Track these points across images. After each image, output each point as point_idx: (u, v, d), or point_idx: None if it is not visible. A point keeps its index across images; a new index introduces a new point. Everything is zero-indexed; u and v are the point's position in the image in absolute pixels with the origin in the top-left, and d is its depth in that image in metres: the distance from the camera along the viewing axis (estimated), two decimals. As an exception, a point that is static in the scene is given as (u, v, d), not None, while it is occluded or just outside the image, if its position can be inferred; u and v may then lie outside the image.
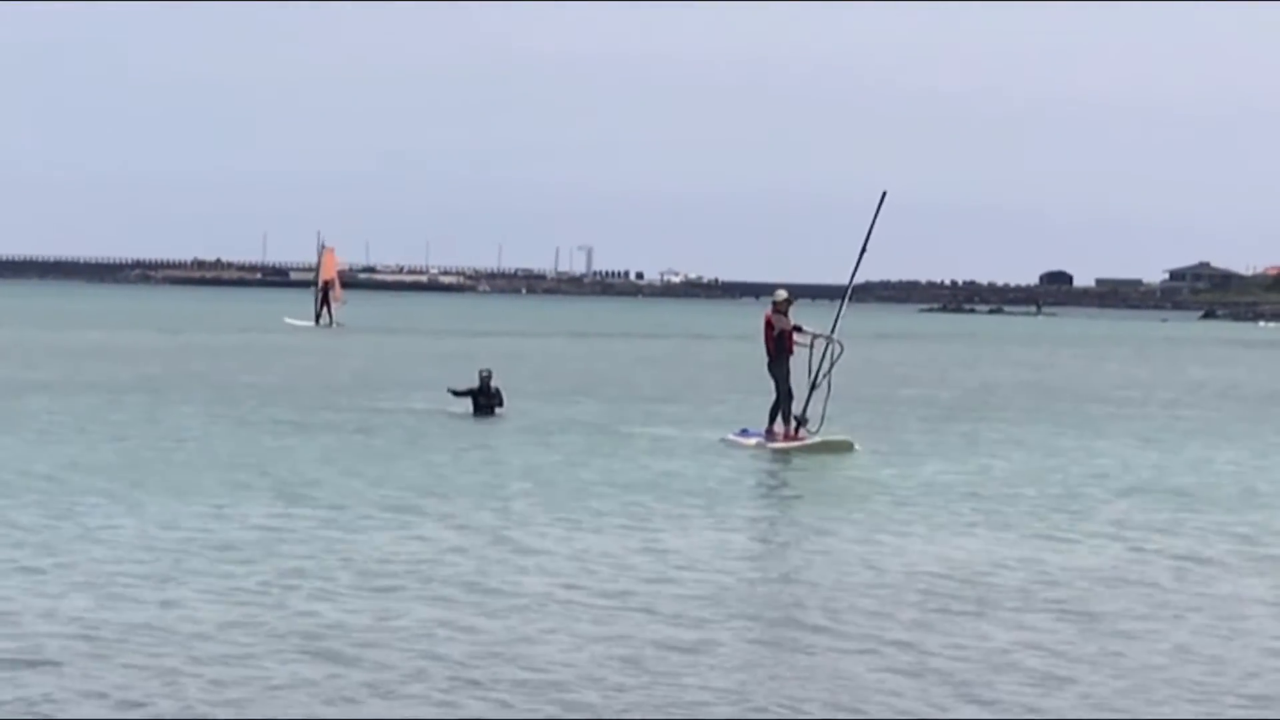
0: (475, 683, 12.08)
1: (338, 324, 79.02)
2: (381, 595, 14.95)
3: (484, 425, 31.22)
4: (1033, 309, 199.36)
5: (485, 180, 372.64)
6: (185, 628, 13.51)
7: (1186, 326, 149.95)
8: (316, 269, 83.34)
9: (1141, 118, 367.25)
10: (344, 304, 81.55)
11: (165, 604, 14.38)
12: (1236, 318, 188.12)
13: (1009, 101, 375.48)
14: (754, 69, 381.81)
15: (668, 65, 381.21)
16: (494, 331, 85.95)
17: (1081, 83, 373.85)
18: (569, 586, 15.63)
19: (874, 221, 29.04)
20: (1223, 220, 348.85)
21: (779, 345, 28.69)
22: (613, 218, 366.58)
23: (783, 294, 29.12)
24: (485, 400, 32.84)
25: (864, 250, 29.02)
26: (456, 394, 33.19)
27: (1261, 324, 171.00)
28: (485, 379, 33.10)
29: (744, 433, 29.34)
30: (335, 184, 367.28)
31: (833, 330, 28.52)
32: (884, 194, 29.16)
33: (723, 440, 29.01)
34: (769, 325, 28.86)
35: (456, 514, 19.83)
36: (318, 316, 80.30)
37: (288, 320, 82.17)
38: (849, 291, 29.07)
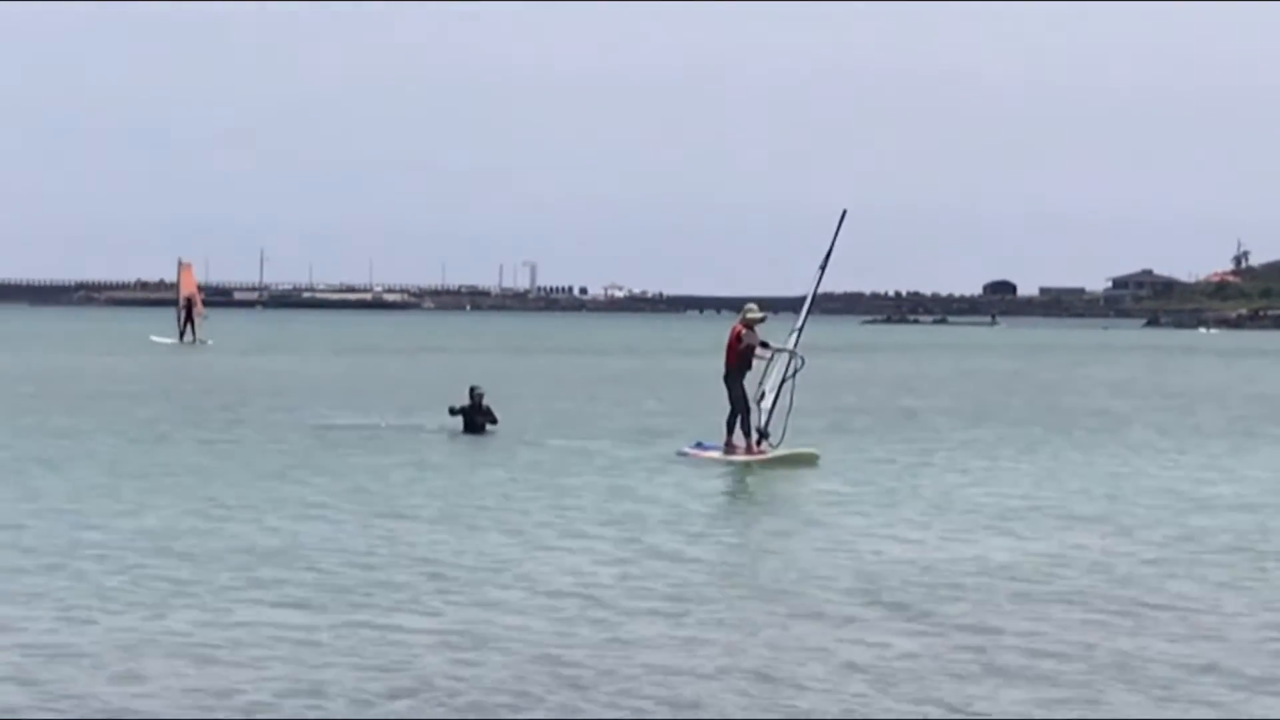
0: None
1: (200, 341, 79.51)
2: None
3: (473, 442, 30.95)
4: (988, 319, 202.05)
5: (428, 197, 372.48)
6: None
7: (1130, 334, 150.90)
8: (176, 286, 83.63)
9: (1084, 125, 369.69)
10: (206, 318, 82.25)
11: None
12: (1179, 325, 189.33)
13: (952, 110, 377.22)
14: (698, 80, 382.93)
15: (609, 80, 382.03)
16: (444, 348, 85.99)
17: (1024, 91, 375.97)
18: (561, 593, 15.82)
19: (834, 240, 29.21)
20: (1165, 227, 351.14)
21: (742, 359, 28.58)
22: (556, 233, 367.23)
23: (755, 309, 29.15)
24: (478, 418, 32.36)
25: (824, 268, 29.08)
26: (453, 412, 32.58)
27: (1203, 330, 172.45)
28: (478, 397, 32.61)
29: (699, 445, 29.29)
30: (277, 202, 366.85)
31: (795, 345, 28.56)
32: (844, 212, 29.42)
33: (679, 453, 28.95)
34: (736, 338, 28.67)
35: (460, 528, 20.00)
36: (181, 334, 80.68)
37: (153, 338, 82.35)
38: (809, 306, 29.11)
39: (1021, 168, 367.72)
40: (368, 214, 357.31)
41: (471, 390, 32.97)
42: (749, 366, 28.63)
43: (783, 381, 28.56)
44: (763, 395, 28.59)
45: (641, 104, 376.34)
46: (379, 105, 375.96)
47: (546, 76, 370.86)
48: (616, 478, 25.74)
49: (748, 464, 27.74)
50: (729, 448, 28.51)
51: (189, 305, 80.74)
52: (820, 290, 29.14)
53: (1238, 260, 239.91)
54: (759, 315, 28.90)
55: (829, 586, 16.66)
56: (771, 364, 28.75)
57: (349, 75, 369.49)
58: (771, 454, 28.15)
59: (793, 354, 28.57)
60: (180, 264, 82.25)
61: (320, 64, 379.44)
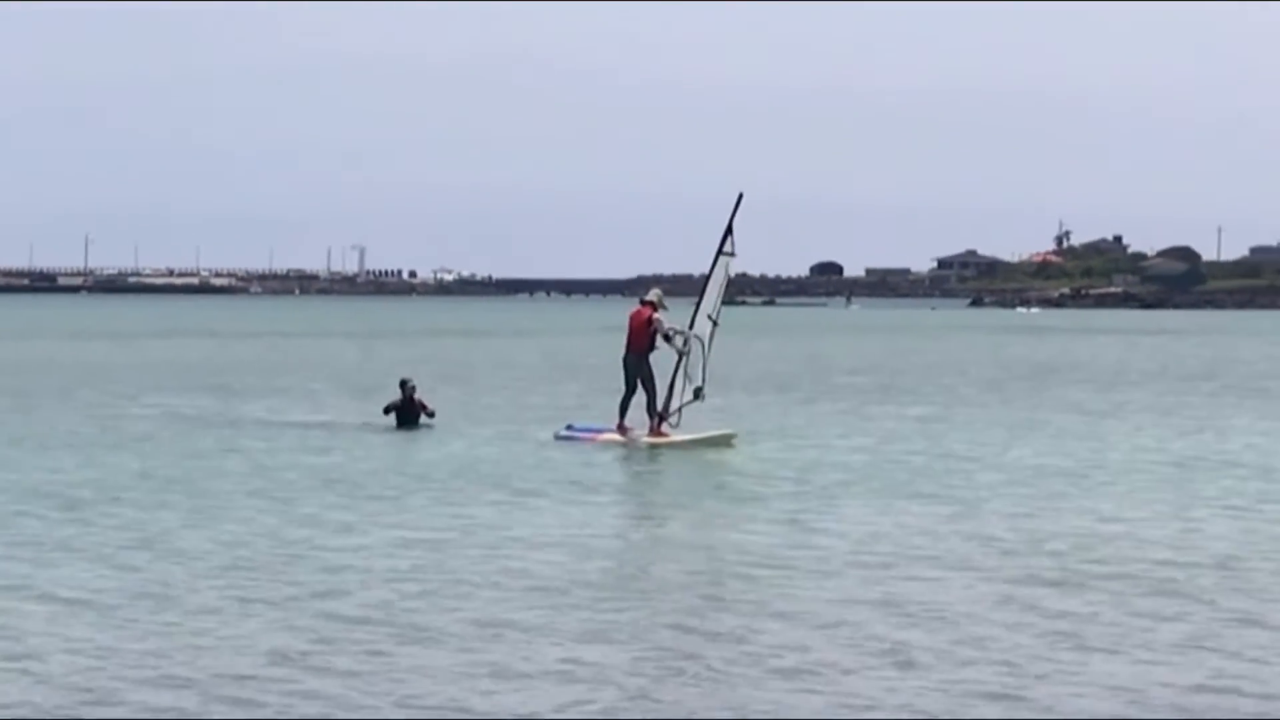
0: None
1: None
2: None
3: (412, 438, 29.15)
4: (822, 300, 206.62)
5: (254, 181, 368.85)
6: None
7: (957, 314, 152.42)
8: None
9: (908, 107, 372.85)
10: None
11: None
12: (1003, 304, 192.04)
13: (776, 92, 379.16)
14: (523, 65, 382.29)
15: (433, 61, 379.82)
16: (287, 333, 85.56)
17: (846, 73, 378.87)
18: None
19: (731, 221, 29.34)
20: (989, 208, 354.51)
21: (651, 341, 28.74)
22: (384, 216, 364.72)
23: (659, 292, 29.90)
24: (410, 413, 30.18)
25: (722, 250, 29.45)
26: (388, 410, 30.25)
27: (1020, 309, 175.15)
28: (409, 390, 30.48)
29: (570, 428, 29.13)
30: (102, 187, 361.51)
31: (690, 325, 28.86)
32: (740, 195, 29.52)
33: (558, 437, 28.66)
34: (646, 321, 28.82)
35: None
36: None
37: None
38: (706, 289, 29.53)
39: (847, 150, 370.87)
40: (194, 198, 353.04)
41: (403, 384, 30.75)
42: (654, 348, 28.75)
43: (678, 362, 28.73)
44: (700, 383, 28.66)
45: (468, 86, 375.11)
46: (207, 89, 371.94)
47: (375, 62, 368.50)
48: (496, 460, 25.59)
49: (658, 446, 27.78)
50: (622, 430, 28.45)
51: None
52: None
53: (1059, 240, 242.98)
54: (661, 294, 29.63)
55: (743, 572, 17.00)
56: (690, 348, 28.75)
57: (178, 58, 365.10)
58: (675, 436, 28.22)
59: (688, 335, 28.77)
60: None
61: (150, 47, 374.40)
